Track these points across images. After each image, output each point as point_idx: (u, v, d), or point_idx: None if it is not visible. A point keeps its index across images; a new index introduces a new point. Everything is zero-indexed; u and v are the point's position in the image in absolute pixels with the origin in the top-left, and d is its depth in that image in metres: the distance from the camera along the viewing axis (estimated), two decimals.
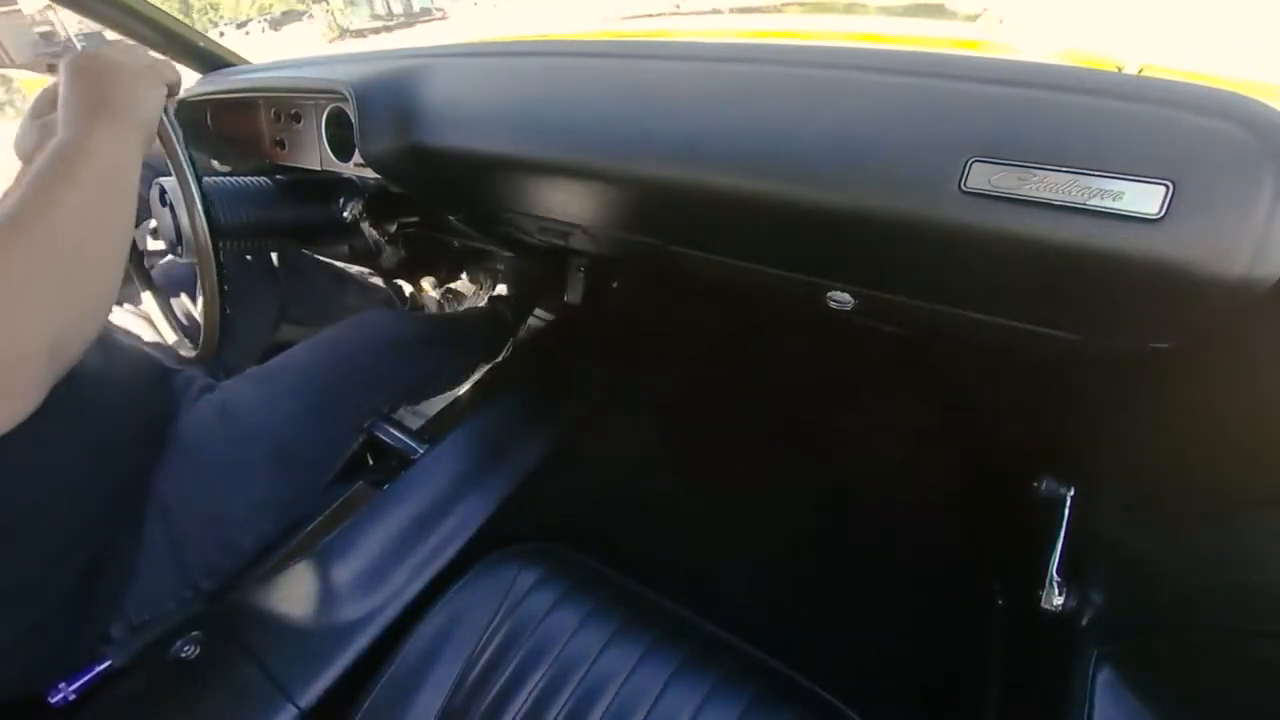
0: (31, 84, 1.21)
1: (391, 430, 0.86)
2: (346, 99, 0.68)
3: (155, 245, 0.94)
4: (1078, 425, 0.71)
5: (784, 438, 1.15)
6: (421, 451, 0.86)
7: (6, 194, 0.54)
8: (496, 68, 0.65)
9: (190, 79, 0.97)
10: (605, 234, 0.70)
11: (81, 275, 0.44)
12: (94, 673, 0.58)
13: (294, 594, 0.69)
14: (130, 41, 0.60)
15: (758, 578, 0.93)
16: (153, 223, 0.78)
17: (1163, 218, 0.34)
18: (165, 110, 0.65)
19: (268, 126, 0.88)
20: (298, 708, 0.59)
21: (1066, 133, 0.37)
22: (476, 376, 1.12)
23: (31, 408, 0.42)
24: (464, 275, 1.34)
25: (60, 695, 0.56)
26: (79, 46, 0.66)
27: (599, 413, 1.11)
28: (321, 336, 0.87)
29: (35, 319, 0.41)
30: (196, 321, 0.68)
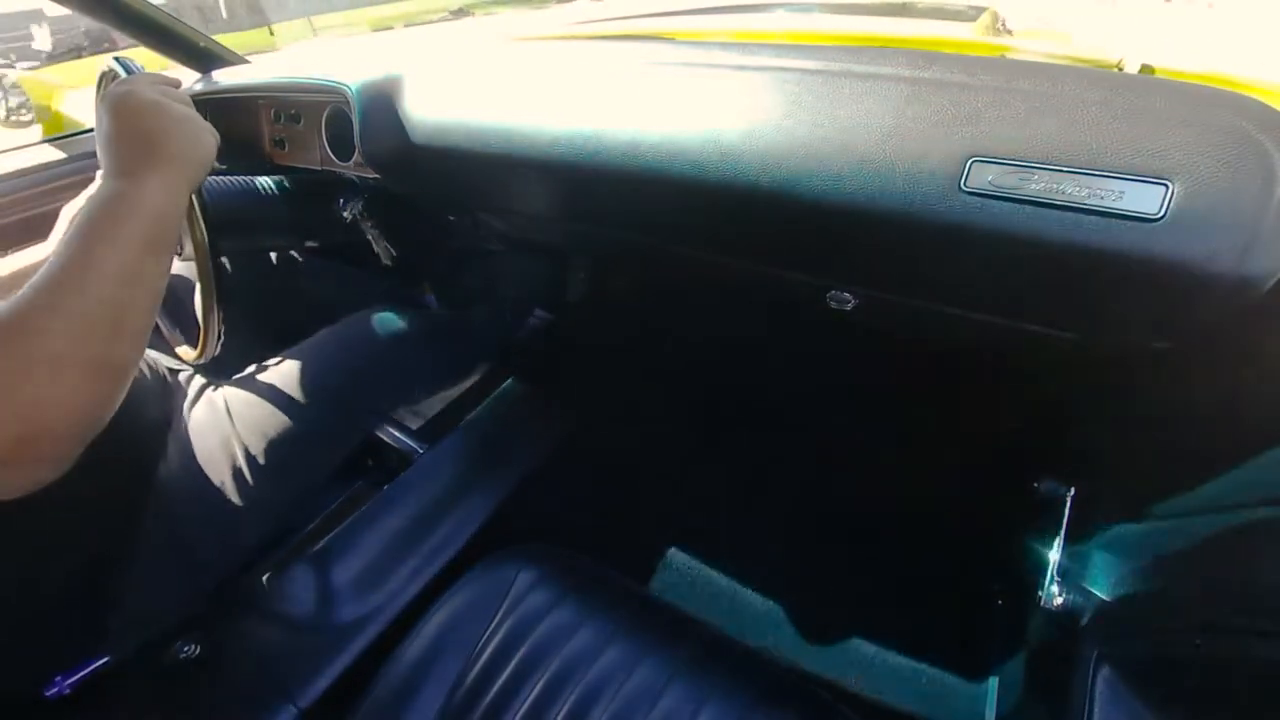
0: (29, 82, 1.21)
1: (391, 430, 0.86)
2: (346, 99, 0.68)
3: None
4: (1078, 425, 0.71)
5: (784, 438, 1.15)
6: (421, 451, 0.86)
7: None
8: (495, 68, 0.65)
9: (190, 79, 0.97)
10: (605, 234, 0.70)
11: (119, 343, 0.43)
12: (90, 669, 0.58)
13: (294, 594, 0.69)
14: (168, 74, 0.59)
15: (757, 578, 0.93)
16: None
17: (1162, 217, 0.34)
18: None
19: (267, 126, 0.88)
20: (298, 708, 0.59)
21: (1066, 133, 0.37)
22: (476, 376, 1.12)
23: (59, 474, 0.41)
24: (464, 275, 1.34)
25: (55, 690, 0.56)
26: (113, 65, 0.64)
27: (599, 413, 1.11)
28: (321, 336, 0.87)
29: (69, 392, 0.39)
30: (196, 322, 0.68)
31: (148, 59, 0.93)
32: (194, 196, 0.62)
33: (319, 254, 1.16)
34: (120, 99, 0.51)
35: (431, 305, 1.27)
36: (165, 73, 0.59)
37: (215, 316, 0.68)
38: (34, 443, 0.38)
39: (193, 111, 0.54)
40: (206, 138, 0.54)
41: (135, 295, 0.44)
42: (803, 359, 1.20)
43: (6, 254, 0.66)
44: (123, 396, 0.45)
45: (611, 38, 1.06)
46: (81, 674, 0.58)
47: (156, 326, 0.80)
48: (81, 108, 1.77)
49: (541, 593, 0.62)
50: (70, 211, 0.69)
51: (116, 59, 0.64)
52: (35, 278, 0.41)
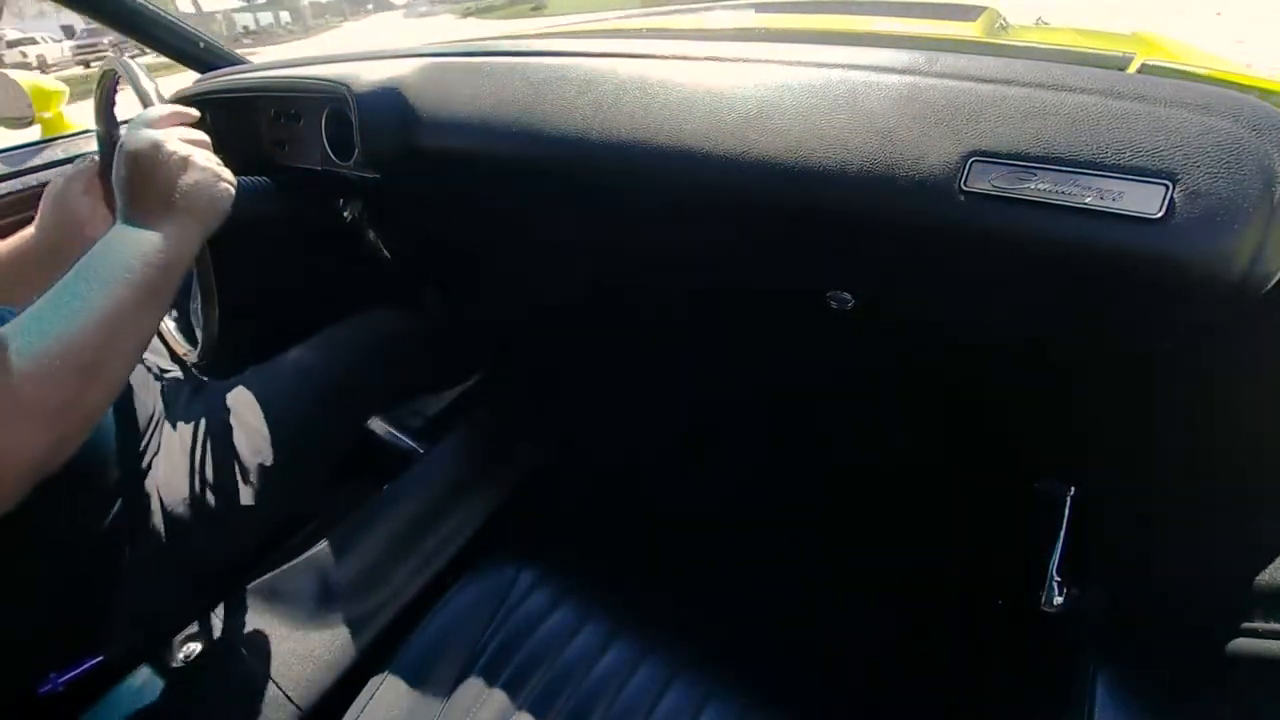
0: (28, 83, 1.21)
1: (391, 430, 0.87)
2: (346, 99, 0.68)
3: None
4: (1078, 425, 0.71)
5: (784, 438, 1.15)
6: (421, 451, 0.86)
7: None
8: (498, 68, 0.65)
9: (190, 79, 0.97)
10: (604, 232, 0.70)
11: (92, 390, 0.41)
12: (85, 667, 0.58)
13: (294, 594, 0.69)
14: (187, 114, 0.57)
15: (758, 579, 0.93)
16: None
17: (1162, 217, 0.34)
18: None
19: (267, 127, 0.87)
20: (298, 708, 0.59)
21: (1066, 133, 0.37)
22: (476, 377, 1.12)
23: (8, 509, 0.39)
24: (463, 275, 1.34)
25: (49, 687, 0.56)
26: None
27: (599, 413, 1.11)
28: (321, 337, 0.87)
29: (25, 439, 0.38)
30: (196, 322, 0.68)
31: (148, 59, 0.93)
32: None
33: (319, 254, 1.16)
34: (141, 147, 0.50)
35: (431, 306, 1.27)
36: (181, 110, 0.58)
37: (214, 316, 0.67)
38: None
39: (213, 160, 0.54)
40: (224, 188, 0.54)
41: (121, 344, 0.43)
42: (802, 359, 1.20)
43: None
44: (85, 438, 0.43)
45: (609, 34, 1.06)
46: (76, 672, 0.58)
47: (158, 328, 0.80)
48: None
49: (542, 593, 0.62)
50: (52, 192, 0.68)
51: (136, 83, 0.64)
52: (23, 315, 0.40)
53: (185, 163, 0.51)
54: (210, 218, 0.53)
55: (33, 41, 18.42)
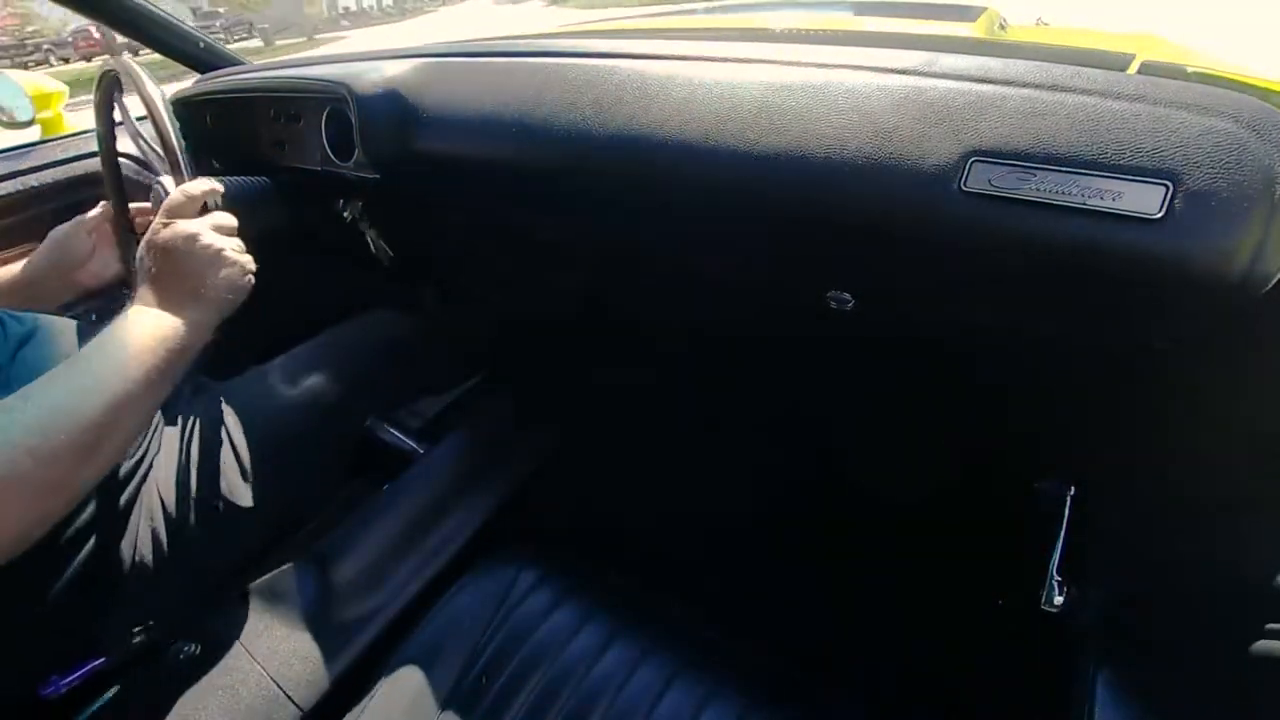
0: (28, 83, 1.21)
1: (391, 430, 0.86)
2: (346, 99, 0.68)
3: None
4: (1078, 425, 0.71)
5: (784, 438, 1.15)
6: (421, 451, 0.86)
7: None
8: (497, 68, 0.65)
9: (190, 79, 0.97)
10: (604, 234, 0.70)
11: (86, 468, 0.41)
12: (87, 669, 0.58)
13: (294, 594, 0.69)
14: (215, 192, 0.58)
15: (758, 579, 0.93)
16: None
17: (1162, 217, 0.34)
18: (166, 109, 0.65)
19: (267, 127, 0.87)
20: (298, 708, 0.59)
21: (1066, 133, 0.37)
22: (476, 377, 1.12)
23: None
24: (464, 275, 1.34)
25: (52, 690, 0.56)
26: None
27: (599, 414, 1.11)
28: (322, 337, 0.87)
29: (14, 516, 0.38)
30: None
31: (147, 58, 0.93)
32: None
33: (319, 255, 1.16)
34: (176, 243, 0.50)
35: (430, 306, 1.27)
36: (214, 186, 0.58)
37: None
38: None
39: (240, 251, 0.54)
40: (242, 273, 0.54)
41: (123, 422, 0.43)
42: (802, 359, 1.20)
43: None
44: (64, 515, 0.42)
45: (609, 34, 1.06)
46: (78, 674, 0.58)
47: None
48: None
49: (542, 593, 0.62)
50: (58, 235, 0.69)
51: (141, 87, 0.63)
52: (32, 385, 0.39)
53: (218, 257, 0.51)
54: (230, 307, 0.53)
55: None
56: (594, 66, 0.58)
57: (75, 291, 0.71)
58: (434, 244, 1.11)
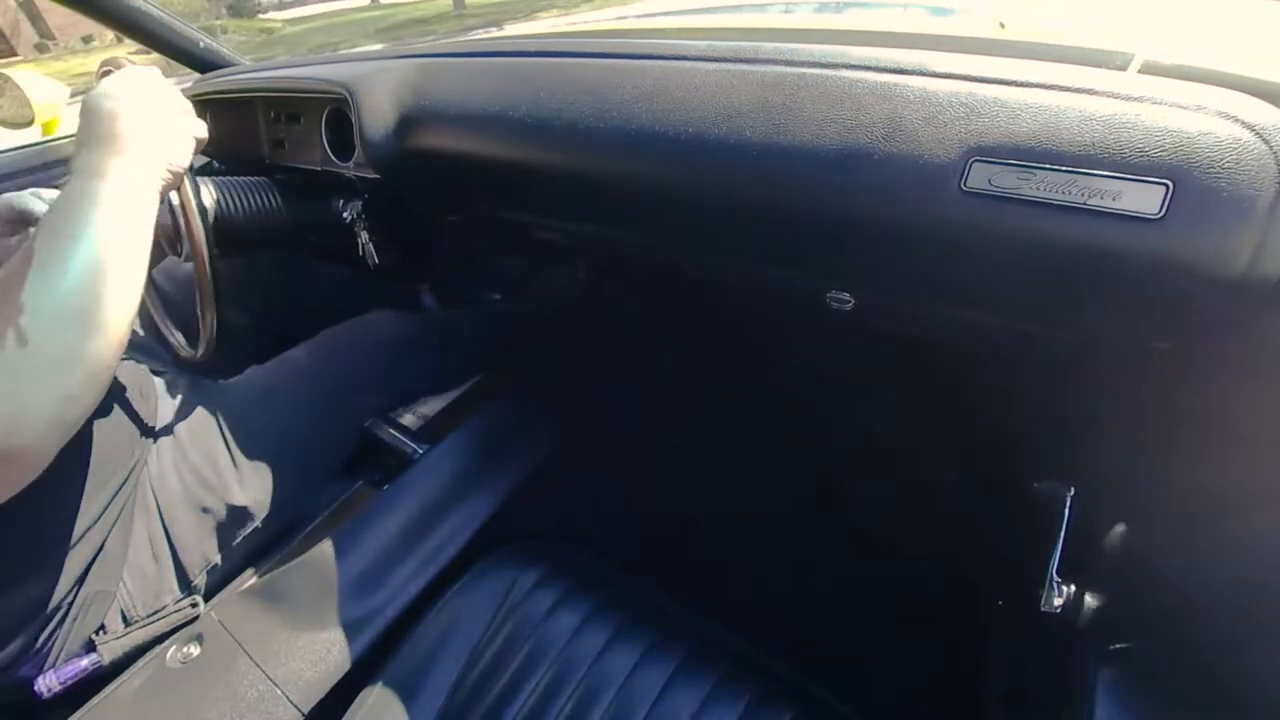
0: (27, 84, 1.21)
1: (391, 430, 0.86)
2: (346, 99, 0.68)
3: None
4: (1078, 425, 0.71)
5: (784, 437, 1.15)
6: (421, 451, 0.86)
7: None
8: (497, 68, 0.65)
9: (190, 79, 0.97)
10: (605, 233, 0.70)
11: (91, 340, 0.42)
12: (84, 669, 0.58)
13: (294, 594, 0.69)
14: (164, 81, 0.56)
15: (758, 578, 0.93)
16: None
17: (1162, 217, 0.34)
18: None
19: (267, 127, 0.87)
20: (298, 708, 0.59)
21: (1066, 133, 0.37)
22: (475, 377, 1.12)
23: (35, 475, 0.41)
24: (462, 276, 1.34)
25: (48, 689, 0.56)
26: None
27: (599, 413, 1.11)
28: (322, 337, 0.87)
29: (35, 393, 0.39)
30: (195, 322, 0.68)
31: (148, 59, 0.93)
32: (193, 196, 0.62)
33: (318, 255, 1.15)
34: (97, 97, 0.50)
35: (430, 306, 1.27)
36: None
37: (214, 316, 0.67)
38: (4, 445, 0.38)
39: (175, 108, 0.53)
40: (180, 135, 0.53)
41: (105, 291, 0.43)
42: (802, 358, 1.20)
43: None
44: (100, 395, 0.44)
45: (610, 34, 1.06)
46: (75, 674, 0.57)
47: (155, 327, 0.80)
48: None
49: (542, 593, 0.62)
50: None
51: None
52: (5, 273, 0.41)
53: (135, 105, 0.50)
54: (163, 160, 0.51)
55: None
56: (594, 66, 0.58)
57: None
58: (434, 244, 1.11)
